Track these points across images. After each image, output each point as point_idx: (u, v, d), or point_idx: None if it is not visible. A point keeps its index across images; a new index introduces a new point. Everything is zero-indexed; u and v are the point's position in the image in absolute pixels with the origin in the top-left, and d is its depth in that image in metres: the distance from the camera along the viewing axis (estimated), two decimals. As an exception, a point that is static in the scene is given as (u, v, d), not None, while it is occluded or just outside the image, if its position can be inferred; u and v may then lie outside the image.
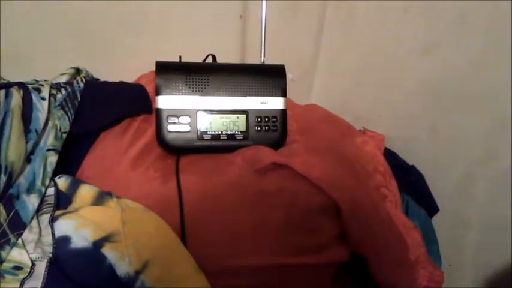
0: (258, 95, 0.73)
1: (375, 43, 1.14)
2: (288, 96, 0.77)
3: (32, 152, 0.61)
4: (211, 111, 0.71)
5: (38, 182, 0.60)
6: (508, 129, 0.87)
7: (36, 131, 0.61)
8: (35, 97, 0.63)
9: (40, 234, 0.54)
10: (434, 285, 0.77)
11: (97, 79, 0.86)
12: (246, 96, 0.72)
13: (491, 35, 0.86)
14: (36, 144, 0.61)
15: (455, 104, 0.96)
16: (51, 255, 0.52)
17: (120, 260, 0.52)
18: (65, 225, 0.54)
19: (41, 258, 0.52)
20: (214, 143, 0.71)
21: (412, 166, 1.00)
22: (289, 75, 0.76)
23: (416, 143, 1.05)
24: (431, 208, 0.95)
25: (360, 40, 1.19)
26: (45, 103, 0.64)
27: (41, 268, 0.51)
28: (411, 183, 0.93)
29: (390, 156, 0.95)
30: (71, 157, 0.69)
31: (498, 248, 0.95)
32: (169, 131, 0.69)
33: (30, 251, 0.52)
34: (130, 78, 0.87)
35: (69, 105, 0.68)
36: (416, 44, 1.02)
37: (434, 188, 0.97)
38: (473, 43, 0.90)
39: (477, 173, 0.96)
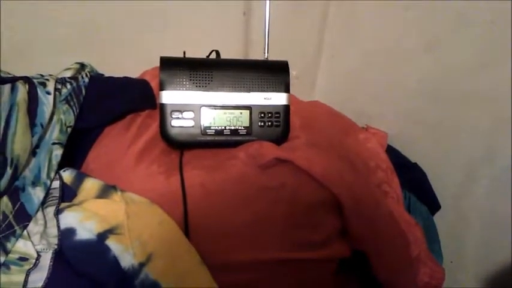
0: (261, 91, 0.73)
1: (377, 41, 1.14)
2: (291, 92, 0.77)
3: (37, 146, 0.61)
4: (215, 107, 0.71)
5: (43, 175, 0.60)
6: (509, 127, 0.88)
7: (41, 125, 0.62)
8: (40, 91, 0.63)
9: (45, 226, 0.55)
10: (435, 281, 0.77)
11: (101, 74, 0.86)
12: (249, 92, 0.72)
13: (492, 32, 0.87)
14: (41, 138, 0.62)
15: (457, 101, 0.96)
16: (56, 246, 0.52)
17: (124, 252, 0.52)
18: (70, 218, 0.55)
19: (46, 249, 0.52)
20: (217, 138, 0.71)
21: (415, 163, 1.00)
22: (292, 72, 0.76)
23: (419, 141, 1.06)
24: (433, 205, 0.95)
25: (362, 38, 1.19)
26: (51, 97, 0.64)
27: (46, 259, 0.52)
28: (413, 180, 0.93)
29: (393, 153, 0.95)
30: (76, 151, 0.70)
31: (499, 245, 0.95)
32: (173, 126, 0.69)
33: (35, 242, 0.53)
34: (134, 73, 0.87)
35: (74, 100, 0.68)
36: (417, 42, 1.02)
37: (436, 186, 0.97)
38: (475, 41, 0.90)
39: (479, 171, 0.96)
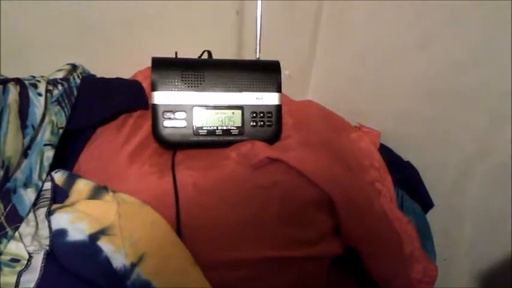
0: (253, 91, 0.73)
1: (370, 39, 1.15)
2: (284, 92, 0.77)
3: (28, 147, 0.61)
4: (207, 107, 0.71)
5: (35, 177, 0.60)
6: (503, 124, 0.88)
7: (33, 126, 0.62)
8: (31, 93, 0.63)
9: (37, 228, 0.55)
10: (428, 279, 0.78)
11: (93, 75, 0.86)
12: (241, 91, 0.73)
13: (486, 30, 0.87)
14: (33, 139, 0.62)
15: (450, 100, 0.96)
16: (47, 247, 0.52)
17: (115, 252, 0.52)
18: (61, 219, 0.55)
19: (38, 250, 0.52)
20: (209, 138, 0.72)
21: (408, 162, 1.00)
22: (285, 72, 0.76)
23: (412, 139, 1.06)
24: (426, 203, 0.96)
25: (356, 36, 1.19)
26: (42, 99, 0.64)
27: (38, 260, 0.52)
28: (406, 178, 0.94)
29: (386, 151, 0.95)
30: (67, 152, 0.70)
31: (493, 243, 0.96)
32: (165, 127, 0.70)
33: (27, 243, 0.53)
34: (126, 74, 0.88)
35: (66, 101, 0.68)
36: (411, 40, 1.03)
37: (430, 184, 0.97)
38: (468, 38, 0.90)
39: (472, 169, 0.96)
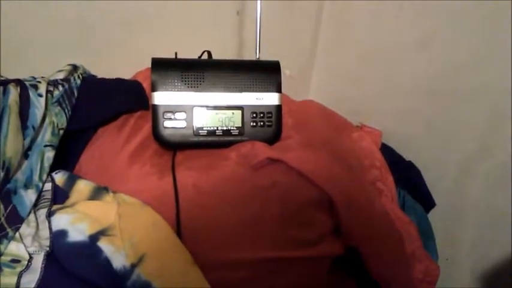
0: (253, 91, 0.73)
1: (370, 39, 1.15)
2: (285, 92, 0.77)
3: (29, 148, 0.61)
4: (207, 107, 0.71)
5: (35, 177, 0.60)
6: (504, 124, 0.88)
7: (33, 127, 0.62)
8: (32, 94, 0.63)
9: (37, 229, 0.55)
10: (430, 279, 0.78)
11: (94, 76, 0.86)
12: (241, 92, 0.73)
13: (486, 30, 0.87)
14: (33, 140, 0.62)
15: (451, 99, 0.96)
16: (48, 248, 0.52)
17: (116, 253, 0.52)
18: (61, 220, 0.55)
19: (38, 251, 0.53)
20: (210, 138, 0.72)
21: (409, 161, 1.00)
22: (286, 72, 0.76)
23: (413, 139, 1.06)
24: (428, 203, 0.96)
25: (357, 36, 1.19)
26: (43, 100, 0.64)
27: (38, 261, 0.52)
28: (408, 178, 0.94)
29: (387, 151, 0.95)
30: (68, 153, 0.70)
31: (495, 243, 0.96)
32: (166, 127, 0.70)
33: (27, 244, 0.53)
34: (126, 75, 0.88)
35: (66, 102, 0.68)
36: (411, 40, 1.03)
37: (431, 183, 0.97)
38: (468, 38, 0.90)
39: (473, 168, 0.96)
